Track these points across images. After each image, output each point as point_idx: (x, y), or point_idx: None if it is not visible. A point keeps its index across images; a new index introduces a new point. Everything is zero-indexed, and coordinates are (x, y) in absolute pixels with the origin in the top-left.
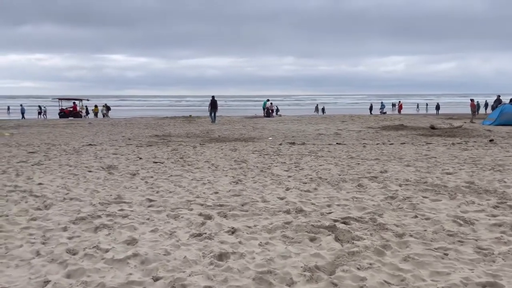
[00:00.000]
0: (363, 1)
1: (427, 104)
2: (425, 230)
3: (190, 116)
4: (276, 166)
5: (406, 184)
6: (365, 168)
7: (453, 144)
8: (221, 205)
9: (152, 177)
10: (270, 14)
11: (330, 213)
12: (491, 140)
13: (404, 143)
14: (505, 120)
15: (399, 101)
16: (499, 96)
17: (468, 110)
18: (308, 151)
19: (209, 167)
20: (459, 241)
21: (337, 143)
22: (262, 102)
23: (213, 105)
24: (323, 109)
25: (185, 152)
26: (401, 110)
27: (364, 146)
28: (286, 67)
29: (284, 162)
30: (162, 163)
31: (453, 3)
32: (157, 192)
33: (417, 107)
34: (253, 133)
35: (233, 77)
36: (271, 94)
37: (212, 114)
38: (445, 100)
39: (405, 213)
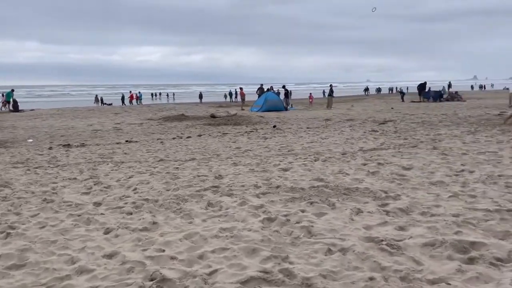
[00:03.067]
0: None
1: (173, 94)
2: (372, 279)
3: None
4: (65, 187)
5: (263, 194)
6: (192, 174)
7: (247, 132)
8: None
9: None
10: None
11: (213, 272)
12: (274, 126)
13: (201, 135)
14: (270, 106)
15: (130, 92)
16: (262, 84)
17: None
18: (97, 155)
19: None
20: None
21: (127, 141)
22: (6, 94)
23: None
24: (101, 100)
25: None
26: (132, 101)
27: (161, 142)
28: (28, 54)
29: (75, 178)
30: None
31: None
32: None
33: (153, 96)
34: (0, 135)
35: None
36: (13, 84)
37: None
38: (199, 88)
39: (312, 247)
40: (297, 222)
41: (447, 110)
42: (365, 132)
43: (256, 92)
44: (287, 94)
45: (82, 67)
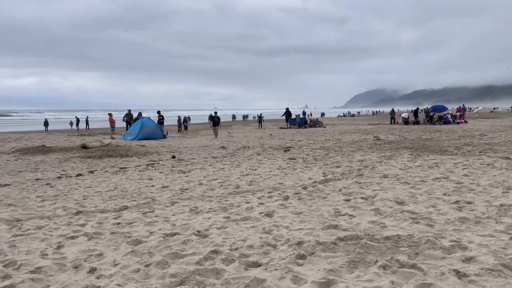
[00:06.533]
0: None
1: None
2: None
3: None
4: None
5: (307, 253)
6: (156, 233)
7: (150, 165)
8: None
9: None
10: None
11: None
12: (173, 157)
13: (93, 171)
14: (147, 134)
15: None
16: (129, 110)
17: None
18: None
19: None
20: None
21: None
22: None
23: None
24: None
25: None
26: None
27: (48, 184)
28: None
29: None
30: None
31: (34, 18)
32: None
33: None
34: None
35: None
36: None
37: None
38: (34, 115)
39: None
40: None
41: (323, 136)
42: (284, 160)
43: (123, 119)
44: (162, 120)
45: None
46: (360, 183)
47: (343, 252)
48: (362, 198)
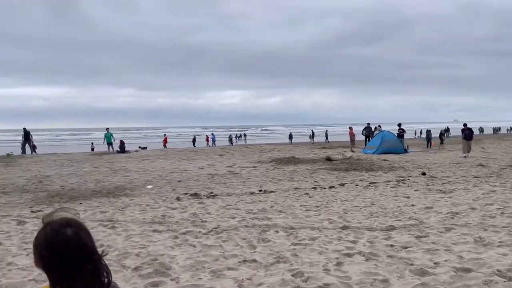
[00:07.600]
0: (204, 37)
1: (239, 135)
2: None
3: (9, 155)
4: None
5: None
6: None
7: (400, 182)
8: None
9: None
10: (107, 43)
11: None
12: (423, 174)
13: (343, 184)
14: (387, 148)
15: (164, 135)
16: (368, 123)
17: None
18: (245, 212)
19: None
20: None
21: (260, 191)
22: (105, 135)
23: (26, 137)
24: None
25: None
26: (166, 144)
27: (307, 194)
28: (124, 99)
29: (254, 260)
30: None
31: (280, 44)
32: None
33: (236, 137)
34: (115, 179)
35: (63, 109)
36: (110, 127)
37: (25, 147)
38: (278, 128)
39: None
40: None
41: None
42: None
43: (362, 132)
44: (403, 134)
45: (170, 110)
46: None
47: None
48: None
